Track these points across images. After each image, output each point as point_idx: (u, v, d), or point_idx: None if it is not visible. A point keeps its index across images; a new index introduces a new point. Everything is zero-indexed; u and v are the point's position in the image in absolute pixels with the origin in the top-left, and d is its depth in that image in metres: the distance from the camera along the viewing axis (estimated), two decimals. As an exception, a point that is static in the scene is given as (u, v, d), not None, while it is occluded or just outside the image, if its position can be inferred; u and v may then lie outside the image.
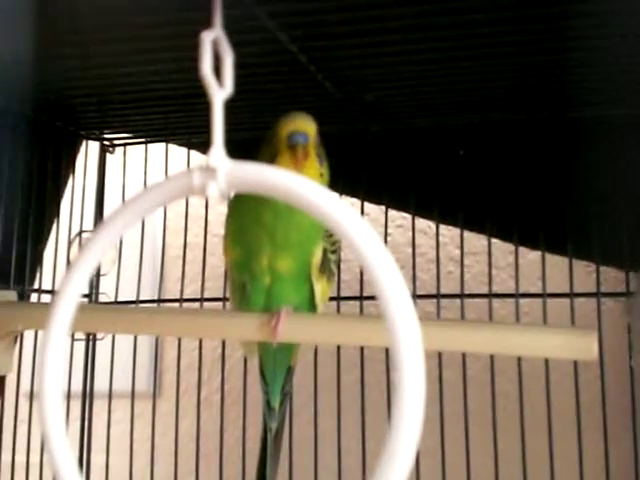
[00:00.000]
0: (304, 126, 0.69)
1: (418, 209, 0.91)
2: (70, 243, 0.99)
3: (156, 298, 1.03)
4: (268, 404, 0.79)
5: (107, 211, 1.06)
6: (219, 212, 0.78)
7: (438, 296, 0.88)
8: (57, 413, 0.34)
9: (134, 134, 1.03)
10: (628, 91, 0.78)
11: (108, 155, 1.05)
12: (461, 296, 0.87)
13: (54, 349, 0.34)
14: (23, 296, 0.92)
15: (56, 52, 0.70)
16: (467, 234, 0.92)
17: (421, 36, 0.65)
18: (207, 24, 0.33)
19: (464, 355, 0.85)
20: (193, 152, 1.00)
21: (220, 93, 0.33)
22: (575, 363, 0.82)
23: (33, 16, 0.60)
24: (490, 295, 0.87)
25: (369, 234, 0.31)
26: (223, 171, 0.32)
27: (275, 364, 0.79)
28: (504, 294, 0.91)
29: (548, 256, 0.86)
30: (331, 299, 0.83)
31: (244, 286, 0.74)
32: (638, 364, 0.83)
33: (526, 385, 0.83)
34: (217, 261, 0.95)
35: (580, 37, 0.65)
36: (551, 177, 0.86)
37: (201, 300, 0.96)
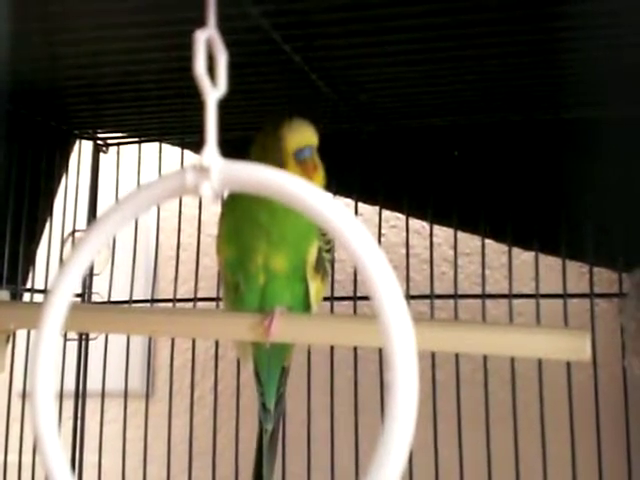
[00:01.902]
0: (310, 139, 0.69)
1: (412, 210, 0.91)
2: (63, 242, 0.98)
3: (149, 298, 1.03)
4: (263, 406, 0.79)
5: (100, 210, 1.05)
6: (213, 212, 0.78)
7: (432, 296, 0.88)
8: (49, 413, 0.34)
9: (128, 133, 1.03)
10: (623, 93, 0.78)
11: (101, 154, 1.05)
12: (454, 296, 0.88)
13: (46, 349, 0.34)
14: (16, 295, 0.92)
15: (49, 51, 0.70)
16: (461, 235, 0.92)
17: (415, 37, 0.65)
18: (201, 23, 0.33)
19: (457, 355, 0.85)
20: (187, 152, 1.00)
21: (214, 93, 0.33)
22: (568, 364, 0.82)
23: (26, 15, 0.60)
24: (483, 296, 0.87)
25: (363, 234, 0.31)
26: (216, 170, 0.32)
27: (270, 365, 0.79)
28: (497, 295, 0.91)
29: (541, 257, 0.87)
30: (325, 299, 0.83)
31: (237, 286, 0.74)
32: (631, 365, 0.83)
33: (519, 385, 0.84)
34: (210, 261, 0.94)
35: (574, 38, 0.65)
36: (545, 178, 0.86)
37: (194, 300, 0.96)
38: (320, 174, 0.70)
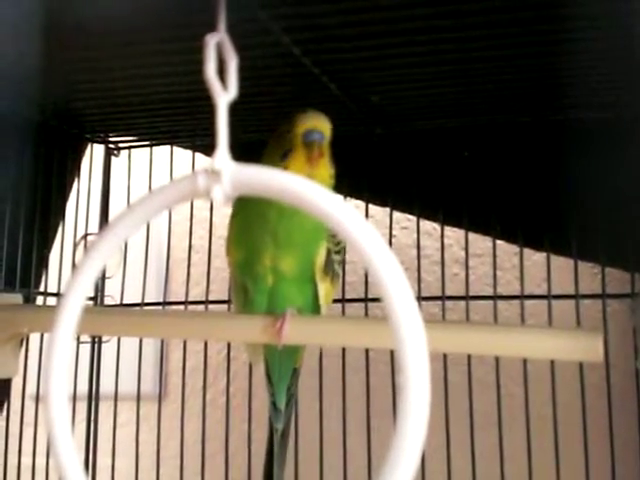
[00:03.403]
0: (321, 124, 0.69)
1: (423, 211, 0.91)
2: (75, 246, 0.99)
3: (161, 301, 1.03)
4: (274, 405, 0.79)
5: (112, 214, 1.06)
6: (224, 214, 0.78)
7: (443, 298, 0.88)
8: (63, 415, 0.34)
9: (139, 137, 1.03)
10: (633, 93, 0.78)
11: (113, 158, 1.05)
12: (466, 298, 0.87)
13: (60, 352, 0.34)
14: (29, 299, 0.93)
15: (62, 56, 0.70)
16: (472, 236, 0.92)
17: (425, 38, 0.65)
18: (211, 27, 0.33)
19: (469, 357, 0.85)
20: (198, 155, 1.01)
21: (224, 96, 0.33)
22: (581, 365, 0.82)
23: (39, 22, 0.60)
24: (495, 297, 0.87)
25: (373, 236, 0.31)
26: (227, 174, 0.32)
27: (281, 366, 0.79)
28: (509, 296, 0.91)
29: (553, 257, 0.86)
30: (336, 301, 0.83)
31: (246, 288, 0.74)
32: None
33: (531, 387, 0.83)
34: (222, 263, 0.95)
35: (584, 39, 0.65)
36: (555, 179, 0.86)
37: (206, 302, 0.96)
38: (325, 164, 0.70)
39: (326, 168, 0.70)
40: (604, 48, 0.66)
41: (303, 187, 0.32)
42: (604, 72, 0.73)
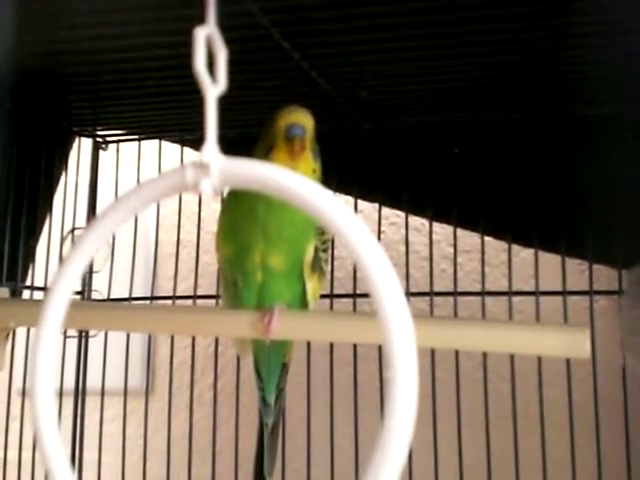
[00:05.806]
0: (302, 119, 0.69)
1: (411, 207, 0.91)
2: (62, 240, 0.98)
3: (149, 295, 1.03)
4: (264, 400, 0.79)
5: (100, 208, 1.05)
6: (213, 209, 0.78)
7: (431, 294, 0.88)
8: (49, 410, 0.34)
9: (127, 131, 1.03)
10: (624, 89, 0.78)
11: (101, 152, 1.05)
12: (454, 294, 0.88)
13: (46, 346, 0.34)
14: (15, 293, 0.92)
15: (49, 48, 0.70)
16: (460, 232, 0.92)
17: (415, 33, 0.65)
18: (201, 20, 0.33)
19: (457, 353, 0.85)
20: (186, 149, 1.00)
21: (213, 89, 0.33)
22: (568, 361, 0.82)
23: (26, 12, 0.60)
24: (483, 293, 0.87)
25: (362, 231, 0.31)
26: (216, 167, 0.32)
27: (270, 361, 0.79)
28: (497, 292, 0.91)
29: (541, 254, 0.87)
30: (324, 296, 0.83)
31: (236, 283, 0.74)
32: (630, 362, 0.83)
33: (519, 383, 0.84)
34: (210, 258, 0.95)
35: (576, 34, 0.65)
36: (544, 175, 0.86)
37: (194, 297, 0.96)
38: (308, 158, 0.70)
39: (309, 162, 0.70)
40: (600, 44, 0.66)
41: (293, 181, 0.31)
42: (595, 69, 0.73)
